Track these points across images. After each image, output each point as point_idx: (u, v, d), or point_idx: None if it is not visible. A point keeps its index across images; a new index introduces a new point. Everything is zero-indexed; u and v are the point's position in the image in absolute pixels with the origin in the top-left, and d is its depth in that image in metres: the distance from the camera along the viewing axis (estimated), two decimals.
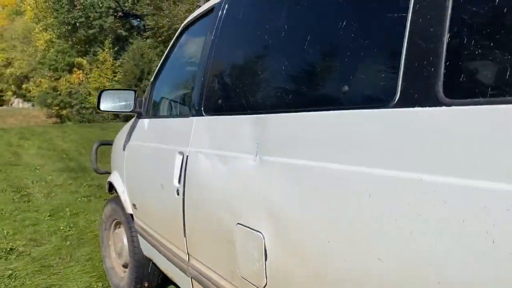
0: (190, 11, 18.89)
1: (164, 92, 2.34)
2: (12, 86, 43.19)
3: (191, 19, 2.07)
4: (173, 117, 2.15)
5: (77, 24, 25.19)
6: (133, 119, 2.64)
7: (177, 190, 1.73)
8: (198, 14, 1.99)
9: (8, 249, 3.35)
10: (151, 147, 2.09)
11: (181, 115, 2.07)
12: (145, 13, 20.27)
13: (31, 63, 33.25)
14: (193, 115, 1.71)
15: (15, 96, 46.17)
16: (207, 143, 1.56)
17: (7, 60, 40.81)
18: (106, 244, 2.91)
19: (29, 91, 35.67)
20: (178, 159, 1.75)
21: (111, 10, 26.06)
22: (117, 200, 2.69)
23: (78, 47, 27.17)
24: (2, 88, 46.62)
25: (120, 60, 25.56)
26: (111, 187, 2.94)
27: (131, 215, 2.48)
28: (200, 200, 1.56)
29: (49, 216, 4.35)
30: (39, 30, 29.55)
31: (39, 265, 3.07)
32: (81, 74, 26.39)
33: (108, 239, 2.91)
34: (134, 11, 24.04)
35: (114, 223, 2.83)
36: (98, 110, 2.28)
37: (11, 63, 40.11)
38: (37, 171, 6.73)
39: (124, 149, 2.52)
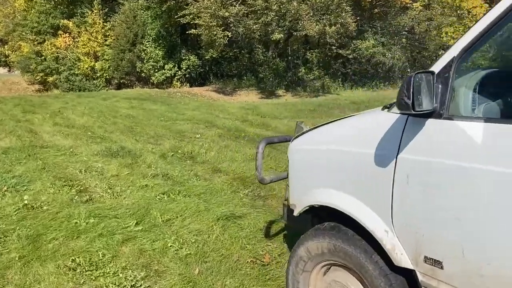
0: None
1: None
2: None
3: None
4: None
5: None
6: (378, 113, 1.71)
7: None
8: None
9: (129, 287, 2.42)
10: None
11: None
12: None
13: (8, 25, 30.74)
14: None
15: None
16: None
17: None
18: None
19: (6, 56, 33.22)
20: None
21: None
22: (344, 236, 1.79)
23: (62, 7, 25.07)
24: None
25: (111, 23, 23.77)
26: (294, 209, 2.02)
27: (399, 268, 1.59)
28: None
29: (136, 224, 3.38)
30: None
31: None
32: (67, 38, 24.46)
33: (307, 285, 2.02)
34: None
35: (324, 264, 1.94)
36: (412, 112, 1.34)
37: None
38: (75, 156, 5.64)
39: (386, 165, 1.58)
